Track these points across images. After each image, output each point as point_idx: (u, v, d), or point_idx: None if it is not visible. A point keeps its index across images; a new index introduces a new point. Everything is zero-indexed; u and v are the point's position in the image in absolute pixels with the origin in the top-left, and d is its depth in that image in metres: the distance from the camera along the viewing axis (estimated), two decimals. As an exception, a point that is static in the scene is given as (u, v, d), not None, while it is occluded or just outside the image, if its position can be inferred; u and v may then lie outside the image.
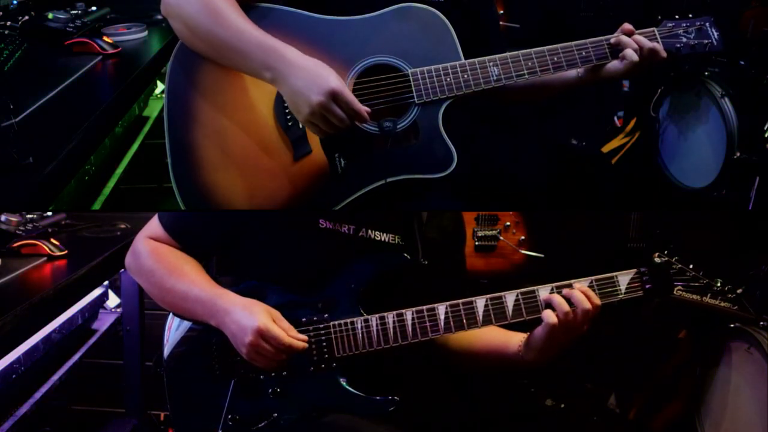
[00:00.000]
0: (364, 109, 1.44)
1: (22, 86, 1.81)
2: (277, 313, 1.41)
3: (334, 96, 1.41)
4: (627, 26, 1.57)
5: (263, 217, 1.53)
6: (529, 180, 1.70)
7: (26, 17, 2.26)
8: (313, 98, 1.40)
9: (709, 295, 1.43)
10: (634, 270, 1.44)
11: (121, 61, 2.19)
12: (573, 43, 1.57)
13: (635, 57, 1.54)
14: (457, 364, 1.61)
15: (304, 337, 1.40)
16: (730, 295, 1.43)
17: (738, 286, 1.43)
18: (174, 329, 1.54)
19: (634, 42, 1.55)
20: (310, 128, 1.47)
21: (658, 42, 1.58)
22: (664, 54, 1.56)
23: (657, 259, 1.44)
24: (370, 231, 1.51)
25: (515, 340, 1.50)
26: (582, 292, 1.40)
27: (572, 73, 1.64)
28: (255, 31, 1.46)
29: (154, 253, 1.51)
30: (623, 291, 1.43)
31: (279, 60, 1.43)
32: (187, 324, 1.52)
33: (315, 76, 1.41)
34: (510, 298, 1.42)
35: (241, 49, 1.46)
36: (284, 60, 1.43)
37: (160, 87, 2.92)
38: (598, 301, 1.40)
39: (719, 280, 1.43)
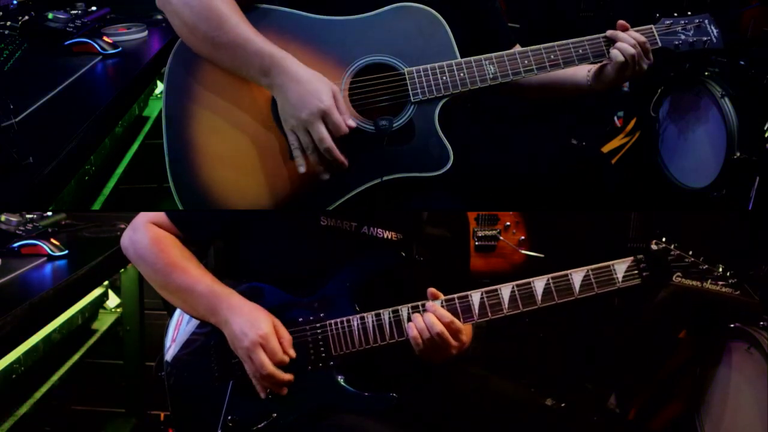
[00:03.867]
0: (346, 131, 1.44)
1: (22, 86, 1.81)
2: (279, 323, 1.42)
3: (323, 115, 1.42)
4: (621, 23, 1.58)
5: (266, 213, 1.53)
6: (528, 179, 1.69)
7: (26, 17, 2.26)
8: (302, 114, 1.42)
9: (709, 280, 1.41)
10: (631, 258, 1.44)
11: (121, 61, 2.19)
12: (570, 40, 1.57)
13: (620, 57, 1.55)
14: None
15: (293, 354, 1.41)
16: (731, 281, 1.41)
17: (739, 272, 1.40)
18: (174, 332, 1.54)
19: (627, 46, 1.55)
20: (289, 137, 1.47)
21: (655, 39, 1.59)
22: (642, 39, 1.57)
23: (654, 246, 1.43)
24: (372, 228, 1.51)
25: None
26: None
27: (583, 80, 1.64)
28: (255, 37, 1.46)
29: (156, 242, 1.49)
30: (620, 279, 1.43)
31: (276, 69, 1.44)
32: (187, 327, 1.52)
33: (308, 93, 1.42)
34: (505, 290, 1.43)
35: (239, 55, 1.46)
36: (281, 69, 1.44)
37: (160, 87, 2.92)
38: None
39: (720, 265, 1.41)
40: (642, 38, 1.56)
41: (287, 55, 1.45)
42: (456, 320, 1.40)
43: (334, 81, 1.52)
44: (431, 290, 1.44)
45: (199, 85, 1.55)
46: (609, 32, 1.58)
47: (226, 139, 1.54)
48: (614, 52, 1.55)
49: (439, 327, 1.39)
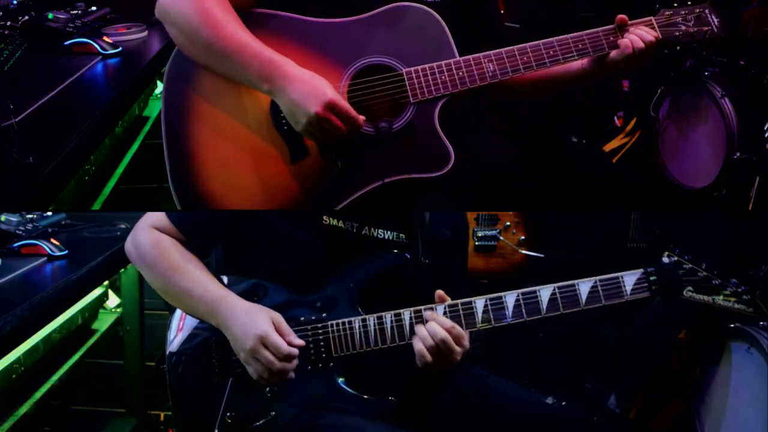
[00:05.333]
0: (360, 118, 1.46)
1: (22, 86, 1.81)
2: (278, 317, 1.41)
3: (332, 106, 1.43)
4: (621, 17, 1.57)
5: (268, 213, 1.53)
6: (528, 179, 1.69)
7: (26, 17, 2.26)
8: (312, 109, 1.43)
9: (722, 296, 1.37)
10: (641, 270, 1.40)
11: (121, 61, 2.19)
12: (569, 35, 1.56)
13: (629, 50, 1.55)
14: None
15: (301, 342, 1.40)
16: (745, 296, 1.36)
17: (749, 287, 1.36)
18: (176, 328, 1.54)
19: (632, 40, 1.55)
20: (308, 137, 1.49)
21: (655, 30, 1.58)
22: (651, 38, 1.56)
23: (665, 259, 1.40)
24: (373, 229, 1.51)
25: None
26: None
27: (577, 65, 1.64)
28: (254, 43, 1.47)
29: (157, 245, 1.49)
30: (629, 292, 1.40)
31: (276, 72, 1.45)
32: (190, 323, 1.52)
33: (312, 88, 1.44)
34: (510, 298, 1.41)
35: (239, 61, 1.47)
36: (281, 72, 1.45)
37: (160, 87, 2.92)
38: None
39: (734, 280, 1.37)
40: (650, 38, 1.56)
41: (286, 60, 1.46)
42: (456, 325, 1.40)
43: (333, 84, 1.52)
44: (439, 293, 1.43)
45: (197, 90, 1.55)
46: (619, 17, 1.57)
47: (227, 144, 1.54)
48: (624, 42, 1.55)
49: (442, 333, 1.38)
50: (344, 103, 1.45)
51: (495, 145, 1.74)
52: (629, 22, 1.58)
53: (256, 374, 1.39)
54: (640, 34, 1.56)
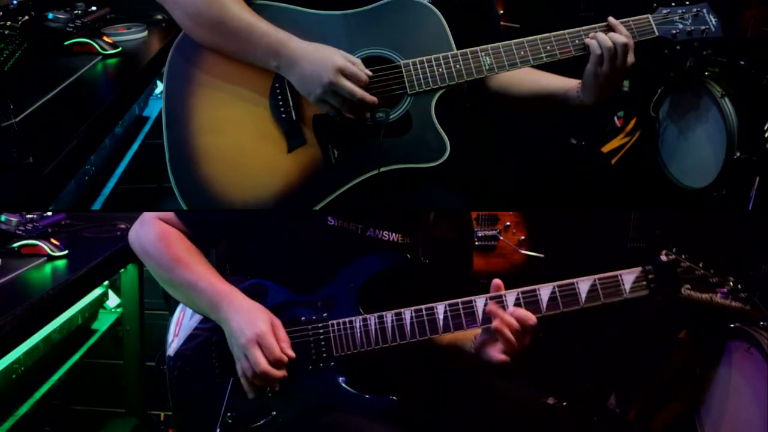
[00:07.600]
0: (365, 78, 1.47)
1: (22, 86, 1.82)
2: (278, 322, 1.41)
3: (342, 71, 1.45)
4: (611, 20, 1.57)
5: (273, 212, 1.53)
6: (528, 179, 1.69)
7: (26, 17, 2.26)
8: (324, 77, 1.45)
9: (719, 294, 1.38)
10: (639, 268, 1.40)
11: (121, 61, 2.19)
12: (566, 31, 1.57)
13: (597, 51, 1.52)
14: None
15: (292, 354, 1.40)
16: (742, 294, 1.37)
17: (746, 285, 1.38)
18: (176, 326, 1.55)
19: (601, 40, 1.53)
20: (322, 108, 1.50)
21: (652, 29, 1.58)
22: (625, 40, 1.53)
23: (664, 257, 1.39)
24: (377, 230, 1.51)
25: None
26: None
27: (573, 94, 1.63)
28: (259, 22, 1.49)
29: (162, 238, 1.49)
30: (627, 290, 1.40)
31: (285, 49, 1.48)
32: (186, 327, 1.52)
33: (321, 58, 1.46)
34: (510, 297, 1.41)
35: (245, 40, 1.49)
36: (289, 49, 1.48)
37: (160, 87, 2.92)
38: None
39: (731, 278, 1.37)
40: (623, 39, 1.53)
41: (291, 36, 1.49)
42: (524, 313, 1.38)
43: None
44: (495, 282, 1.42)
45: (197, 80, 1.56)
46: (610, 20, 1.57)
47: (224, 133, 1.55)
48: (590, 42, 1.53)
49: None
50: (352, 67, 1.46)
51: (494, 144, 1.74)
52: (625, 20, 1.58)
53: (240, 370, 1.39)
54: (611, 35, 1.53)
